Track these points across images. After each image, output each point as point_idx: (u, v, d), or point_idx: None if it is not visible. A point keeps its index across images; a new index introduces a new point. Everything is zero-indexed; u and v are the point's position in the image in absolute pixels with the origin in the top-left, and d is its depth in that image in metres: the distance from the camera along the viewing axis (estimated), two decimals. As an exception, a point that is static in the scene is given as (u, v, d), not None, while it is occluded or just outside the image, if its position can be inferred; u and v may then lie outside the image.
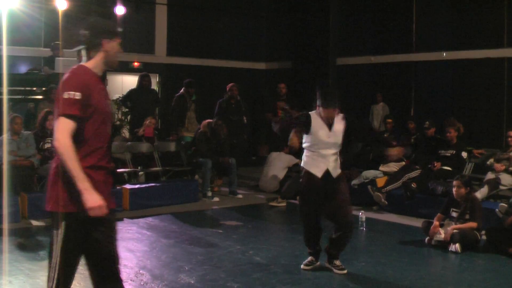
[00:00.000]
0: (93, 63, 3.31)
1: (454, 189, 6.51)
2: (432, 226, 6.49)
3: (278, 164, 10.16)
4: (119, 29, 3.42)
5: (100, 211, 3.11)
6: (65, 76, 3.24)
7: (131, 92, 10.86)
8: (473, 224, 6.30)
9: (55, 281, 3.18)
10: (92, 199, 3.08)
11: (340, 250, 5.52)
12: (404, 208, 8.33)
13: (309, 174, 5.35)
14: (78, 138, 3.15)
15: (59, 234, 3.16)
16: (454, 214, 6.51)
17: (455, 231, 6.28)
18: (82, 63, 3.33)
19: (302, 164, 5.48)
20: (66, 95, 3.12)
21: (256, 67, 14.40)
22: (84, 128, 3.18)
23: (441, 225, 6.51)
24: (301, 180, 5.45)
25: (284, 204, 9.10)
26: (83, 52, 3.37)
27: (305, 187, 5.41)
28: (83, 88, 3.15)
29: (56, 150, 3.14)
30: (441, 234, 6.38)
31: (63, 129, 3.10)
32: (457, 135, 8.55)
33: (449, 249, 6.26)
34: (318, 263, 5.57)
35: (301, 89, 12.37)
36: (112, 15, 12.22)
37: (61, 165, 3.13)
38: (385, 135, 10.14)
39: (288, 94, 11.08)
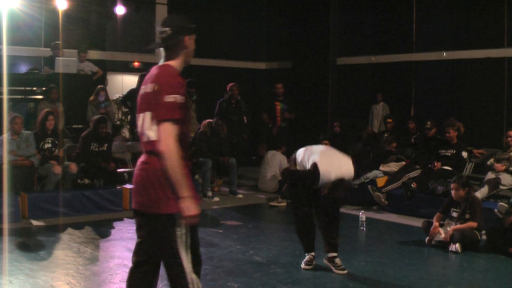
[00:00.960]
0: (178, 62, 3.27)
1: (452, 192, 6.51)
2: (432, 227, 6.49)
3: (275, 163, 10.16)
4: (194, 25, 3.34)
5: (196, 220, 3.09)
6: (161, 76, 3.14)
7: (131, 92, 10.83)
8: (473, 224, 6.30)
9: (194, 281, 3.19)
10: (193, 208, 3.06)
11: (332, 239, 5.48)
12: (404, 208, 8.33)
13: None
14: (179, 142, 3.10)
15: (182, 234, 3.12)
16: (455, 214, 6.51)
17: (455, 231, 6.28)
18: (167, 63, 3.25)
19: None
20: (169, 98, 3.05)
21: (256, 67, 14.40)
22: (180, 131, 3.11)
23: (441, 225, 6.51)
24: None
25: (284, 204, 9.09)
26: (162, 51, 3.28)
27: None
28: (182, 90, 3.11)
29: (162, 154, 3.06)
30: (441, 234, 6.39)
31: (170, 134, 3.03)
32: (458, 135, 8.55)
33: (449, 249, 6.26)
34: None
35: (301, 89, 12.38)
36: (112, 15, 12.24)
37: (165, 169, 3.07)
38: (385, 135, 10.16)
39: (285, 93, 11.07)
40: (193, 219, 3.07)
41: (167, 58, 3.27)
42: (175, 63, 3.25)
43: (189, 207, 3.04)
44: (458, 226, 6.32)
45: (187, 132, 3.27)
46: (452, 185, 6.54)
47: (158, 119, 3.06)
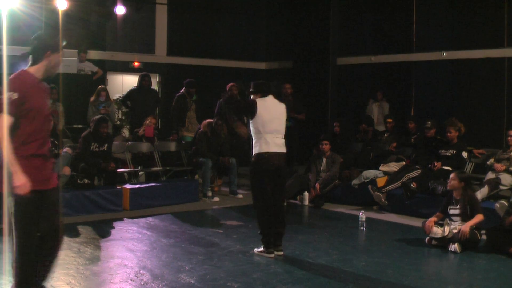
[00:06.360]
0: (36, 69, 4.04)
1: (449, 181, 6.55)
2: (427, 221, 6.50)
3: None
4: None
5: (24, 189, 3.71)
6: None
7: (131, 92, 10.86)
8: (480, 216, 6.31)
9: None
10: (18, 179, 3.70)
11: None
12: (404, 208, 8.33)
13: None
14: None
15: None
16: (451, 212, 6.52)
17: (458, 230, 6.27)
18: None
19: None
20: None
21: (256, 67, 14.40)
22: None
23: (441, 225, 6.51)
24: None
25: (284, 204, 9.08)
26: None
27: None
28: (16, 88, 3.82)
29: None
30: (439, 232, 6.38)
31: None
32: (458, 135, 8.55)
33: (449, 249, 6.27)
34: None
35: (301, 89, 12.37)
36: (112, 15, 12.24)
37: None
38: (385, 135, 10.16)
39: (293, 94, 10.98)
40: (21, 188, 3.71)
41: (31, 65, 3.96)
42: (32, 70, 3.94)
43: (15, 179, 3.70)
44: (470, 222, 6.28)
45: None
46: (451, 175, 6.57)
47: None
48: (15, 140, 3.78)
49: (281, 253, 5.90)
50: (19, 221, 3.83)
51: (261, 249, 5.95)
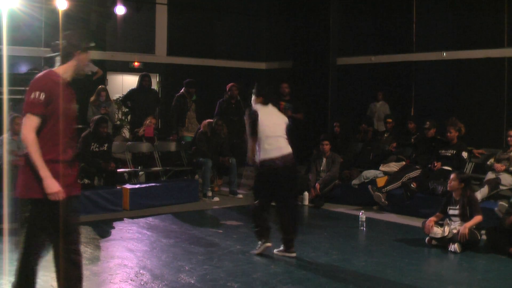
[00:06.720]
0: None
1: (449, 182, 6.55)
2: (427, 220, 6.50)
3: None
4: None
5: (58, 195, 3.58)
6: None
7: (131, 92, 10.86)
8: (479, 217, 6.31)
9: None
10: (51, 186, 3.56)
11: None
12: (404, 208, 8.33)
13: None
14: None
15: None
16: (451, 212, 6.52)
17: (458, 230, 6.27)
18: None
19: None
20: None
21: (256, 67, 14.40)
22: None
23: (441, 225, 6.51)
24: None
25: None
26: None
27: None
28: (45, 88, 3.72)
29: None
30: (439, 232, 6.39)
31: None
32: (458, 135, 8.55)
33: (449, 249, 6.27)
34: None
35: (301, 89, 12.37)
36: (112, 15, 12.23)
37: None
38: (385, 135, 10.16)
39: (291, 93, 11.01)
40: (54, 195, 3.59)
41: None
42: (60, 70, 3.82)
43: (49, 185, 3.59)
44: (469, 223, 6.28)
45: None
46: (451, 176, 6.57)
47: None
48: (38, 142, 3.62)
49: (294, 254, 5.94)
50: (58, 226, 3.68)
51: (263, 246, 6.01)
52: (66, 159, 3.75)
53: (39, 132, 3.62)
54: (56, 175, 3.64)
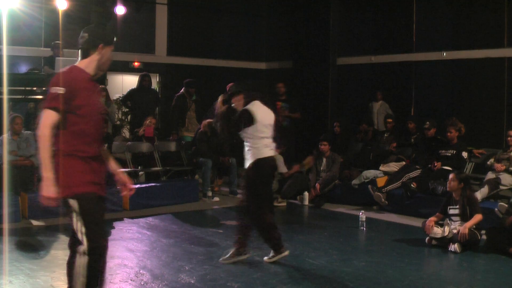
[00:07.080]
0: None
1: (448, 183, 6.55)
2: (427, 221, 6.50)
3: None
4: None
5: (49, 202, 3.46)
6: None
7: (131, 92, 10.86)
8: (479, 216, 6.31)
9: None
10: (48, 189, 3.43)
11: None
12: (404, 208, 8.33)
13: None
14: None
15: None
16: (451, 212, 6.52)
17: (458, 230, 6.27)
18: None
19: None
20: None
21: (256, 67, 14.40)
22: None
23: (441, 225, 6.51)
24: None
25: (284, 204, 9.10)
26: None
27: None
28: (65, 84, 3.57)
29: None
30: (439, 232, 6.39)
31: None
32: (458, 135, 8.55)
33: (449, 249, 6.27)
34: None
35: (301, 89, 12.37)
36: (112, 15, 12.22)
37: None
38: (385, 135, 10.16)
39: (287, 93, 11.05)
40: (45, 200, 3.46)
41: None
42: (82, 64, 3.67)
43: (45, 188, 3.44)
44: (470, 223, 6.28)
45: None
46: (450, 176, 6.57)
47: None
48: (67, 138, 3.51)
49: (287, 252, 5.78)
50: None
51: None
52: (97, 154, 3.67)
53: (67, 127, 3.50)
54: (91, 171, 3.59)
